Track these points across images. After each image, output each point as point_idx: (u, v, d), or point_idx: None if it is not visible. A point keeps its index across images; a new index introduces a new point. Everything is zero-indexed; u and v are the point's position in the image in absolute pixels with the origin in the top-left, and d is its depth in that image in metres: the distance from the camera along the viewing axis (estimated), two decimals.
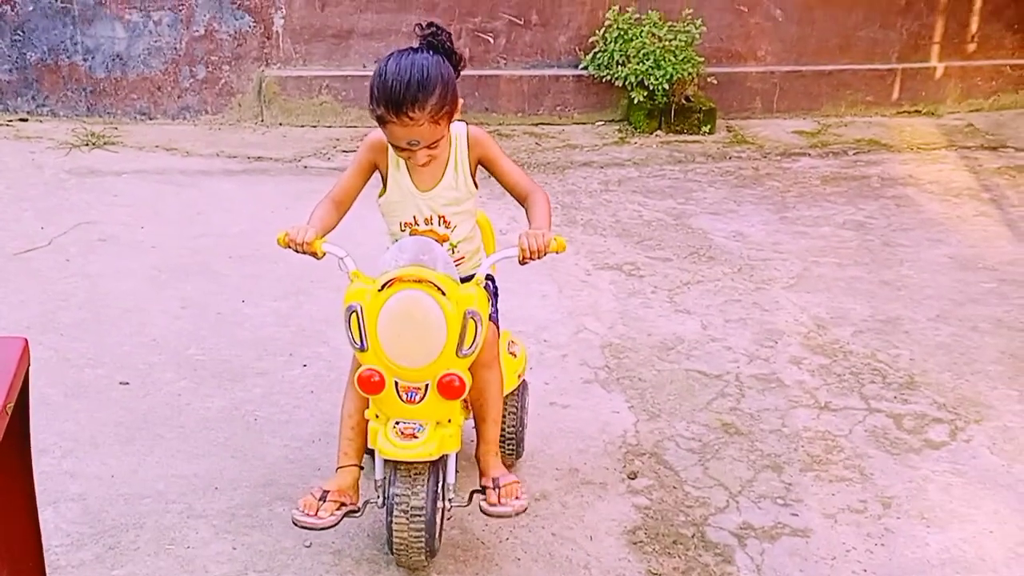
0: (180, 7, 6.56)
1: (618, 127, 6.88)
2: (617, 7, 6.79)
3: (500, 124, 6.76)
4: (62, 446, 3.46)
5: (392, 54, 2.79)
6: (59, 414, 3.63)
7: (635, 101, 6.71)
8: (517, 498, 2.92)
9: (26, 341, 2.05)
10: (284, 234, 2.80)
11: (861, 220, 5.55)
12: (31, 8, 6.47)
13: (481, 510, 2.95)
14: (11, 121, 6.54)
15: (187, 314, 4.38)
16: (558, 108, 6.96)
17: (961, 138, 6.91)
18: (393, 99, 2.68)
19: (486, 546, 3.07)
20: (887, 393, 3.95)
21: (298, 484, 3.32)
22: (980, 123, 7.20)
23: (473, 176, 2.97)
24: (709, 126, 6.80)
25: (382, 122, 2.76)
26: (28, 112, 6.61)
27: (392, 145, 2.83)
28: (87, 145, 6.22)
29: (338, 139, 6.52)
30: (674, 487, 3.39)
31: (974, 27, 7.45)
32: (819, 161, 6.44)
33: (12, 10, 6.46)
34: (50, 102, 6.62)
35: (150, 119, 6.68)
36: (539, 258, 2.78)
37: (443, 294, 2.67)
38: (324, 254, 2.82)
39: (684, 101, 6.81)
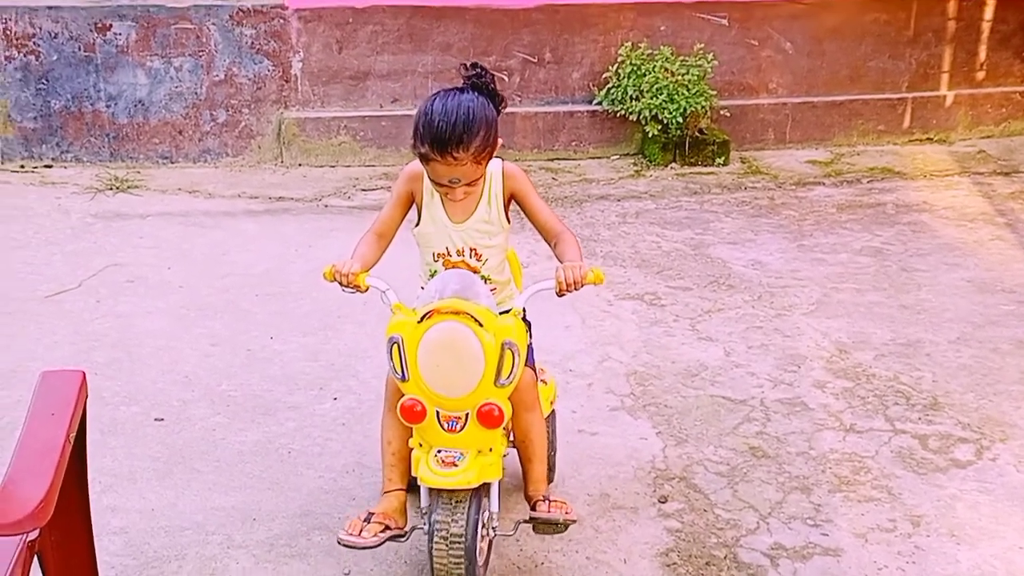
0: (200, 53, 6.69)
1: (633, 161, 6.97)
2: (630, 43, 6.90)
3: (516, 160, 6.79)
4: (101, 481, 3.51)
5: (438, 93, 2.87)
6: (97, 451, 3.68)
7: (649, 135, 6.80)
8: (568, 512, 3.03)
9: (84, 374, 2.12)
10: (331, 268, 2.89)
11: (878, 246, 5.61)
12: (55, 58, 6.60)
13: (531, 519, 3.03)
14: (36, 168, 6.66)
15: (217, 351, 4.45)
16: (573, 143, 7.05)
17: (973, 164, 6.98)
18: (438, 139, 2.75)
19: (522, 571, 3.11)
20: (911, 414, 4.00)
21: (334, 514, 3.37)
22: (991, 149, 7.27)
23: (506, 210, 3.03)
24: (723, 158, 6.89)
25: (425, 160, 2.83)
26: (53, 159, 6.72)
27: (433, 181, 2.90)
28: (111, 189, 6.32)
29: (357, 178, 6.61)
30: (705, 510, 3.43)
31: (982, 55, 7.54)
32: (834, 190, 6.51)
33: (37, 60, 6.59)
34: (74, 148, 6.73)
35: (172, 163, 6.79)
36: (576, 290, 2.83)
37: (480, 325, 2.73)
38: (368, 287, 2.90)
39: (698, 134, 6.90)
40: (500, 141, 2.89)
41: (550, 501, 3.06)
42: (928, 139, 7.42)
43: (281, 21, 6.73)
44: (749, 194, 6.41)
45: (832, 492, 3.52)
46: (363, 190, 6.39)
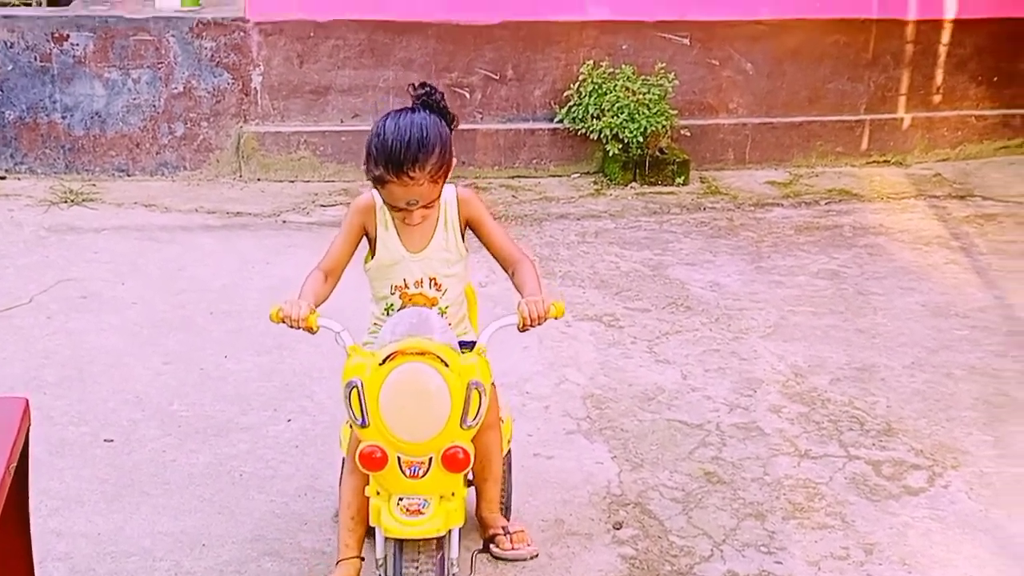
0: (159, 65, 6.62)
1: (593, 179, 6.97)
2: (591, 61, 6.91)
3: (477, 177, 6.83)
4: (48, 504, 3.46)
5: (389, 114, 2.83)
6: (44, 473, 3.62)
7: (610, 153, 6.80)
8: (528, 544, 3.09)
9: (27, 402, 2.08)
10: (277, 310, 2.76)
11: (835, 269, 5.64)
12: (10, 67, 6.51)
13: (494, 555, 3.05)
14: None
15: (170, 370, 4.40)
16: (534, 161, 7.05)
17: (929, 187, 7.04)
18: (393, 159, 2.71)
19: None
20: (865, 440, 4.01)
21: (285, 539, 3.34)
22: (947, 172, 7.34)
23: (463, 237, 2.99)
24: (683, 177, 6.90)
25: (380, 182, 2.78)
26: (6, 170, 6.62)
27: (389, 205, 2.84)
28: (66, 202, 6.24)
29: (316, 194, 6.57)
30: (659, 536, 3.42)
31: (939, 79, 7.61)
32: (792, 211, 6.55)
33: None
34: (28, 160, 6.64)
35: (128, 176, 6.71)
36: (539, 325, 2.78)
37: (446, 365, 2.64)
38: (319, 329, 2.77)
39: (658, 153, 6.91)
40: (454, 160, 2.87)
41: (510, 534, 3.05)
42: (885, 161, 7.47)
43: (242, 34, 6.68)
44: (708, 215, 6.43)
45: (786, 519, 3.53)
46: (322, 206, 6.35)
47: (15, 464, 1.99)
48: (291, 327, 2.76)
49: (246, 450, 3.83)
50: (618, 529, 3.46)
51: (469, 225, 2.99)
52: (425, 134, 2.75)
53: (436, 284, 2.94)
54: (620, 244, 5.92)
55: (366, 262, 3.02)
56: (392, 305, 2.97)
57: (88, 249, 5.62)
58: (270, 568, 3.21)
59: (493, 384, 2.94)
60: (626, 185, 6.83)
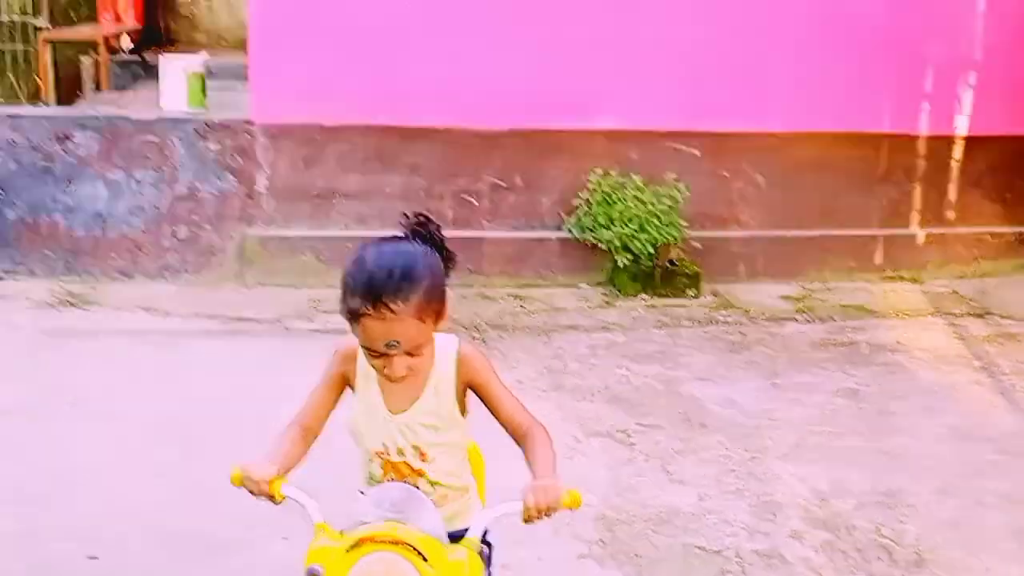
0: (163, 167, 6.54)
1: (603, 290, 6.83)
2: (600, 170, 6.82)
3: (484, 286, 6.69)
4: None
5: (371, 242, 2.36)
6: None
7: (620, 264, 6.68)
8: None
9: None
10: (239, 472, 2.32)
11: (853, 387, 5.46)
12: (13, 167, 6.43)
13: None
14: None
15: (162, 482, 4.19)
16: (542, 270, 6.92)
17: (947, 304, 6.89)
18: (373, 288, 2.22)
19: None
20: (895, 572, 3.79)
21: None
22: (964, 290, 7.20)
23: (460, 402, 2.48)
24: (695, 289, 6.76)
25: (355, 318, 2.26)
26: (5, 271, 6.49)
27: (366, 349, 2.32)
28: (64, 305, 6.09)
29: (320, 299, 6.41)
30: None
31: (953, 195, 7.53)
32: (806, 326, 6.39)
33: None
34: (29, 261, 6.52)
35: (129, 278, 6.58)
36: (548, 517, 2.24)
37: (425, 560, 2.15)
38: (283, 499, 2.32)
39: (669, 265, 6.79)
40: (450, 305, 2.36)
41: None
42: (900, 277, 7.34)
43: (248, 137, 6.61)
44: (721, 328, 6.27)
45: None
46: (325, 312, 6.18)
47: None
48: (251, 494, 2.32)
49: (240, 569, 3.61)
50: None
51: (472, 389, 2.48)
52: (412, 261, 2.28)
53: (421, 453, 2.45)
54: (631, 358, 5.75)
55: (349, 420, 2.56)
56: (372, 474, 2.51)
57: (83, 354, 5.45)
58: None
59: None
60: (636, 296, 6.69)
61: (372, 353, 2.29)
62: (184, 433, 4.61)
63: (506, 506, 2.26)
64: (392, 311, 2.21)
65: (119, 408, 4.84)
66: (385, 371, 2.31)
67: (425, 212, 2.44)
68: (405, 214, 2.44)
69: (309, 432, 2.48)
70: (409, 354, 2.28)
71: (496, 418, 2.49)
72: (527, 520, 2.23)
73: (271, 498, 2.31)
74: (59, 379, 5.10)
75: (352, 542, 2.16)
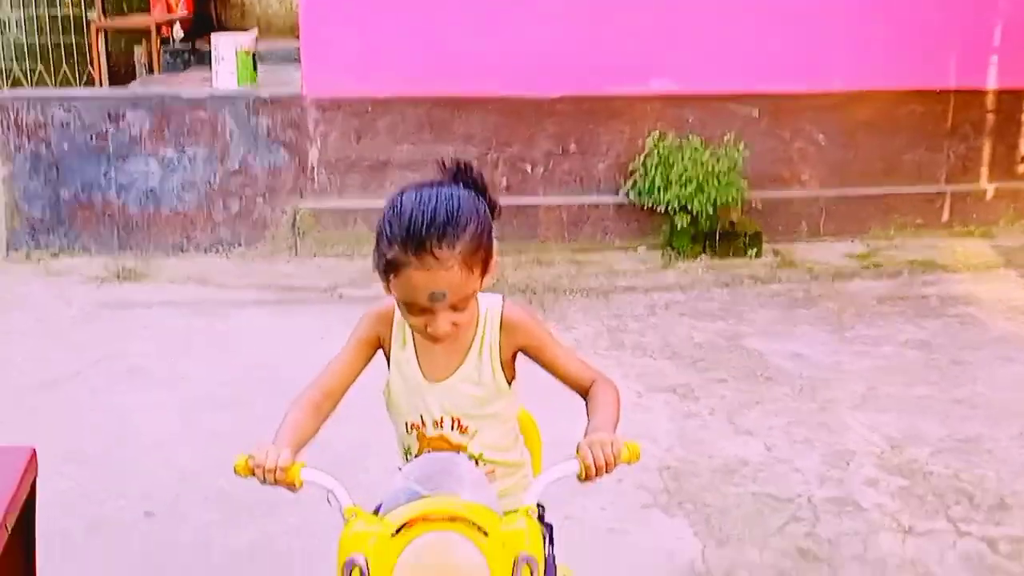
0: (215, 143, 6.50)
1: (661, 253, 6.67)
2: (657, 132, 6.67)
3: (540, 252, 6.57)
4: None
5: (407, 187, 2.09)
6: (78, 549, 3.36)
7: (678, 227, 6.52)
8: None
9: (34, 451, 1.81)
10: (245, 459, 2.00)
11: (925, 339, 5.26)
12: (66, 147, 6.43)
13: None
14: (43, 258, 6.43)
15: (217, 444, 4.12)
16: (598, 235, 6.78)
17: (1019, 258, 6.63)
18: (414, 233, 1.97)
19: None
20: (977, 516, 3.61)
21: None
22: None
23: (507, 368, 2.23)
24: (755, 250, 6.59)
25: (394, 269, 2.01)
26: (60, 249, 6.50)
27: (405, 307, 2.07)
28: (118, 279, 6.08)
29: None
30: None
31: (1023, 149, 7.28)
32: (873, 282, 6.19)
33: (47, 149, 6.42)
34: (82, 239, 6.52)
35: (182, 253, 6.55)
36: (607, 473, 2.00)
37: (484, 535, 1.88)
38: (302, 485, 2.00)
39: (728, 226, 6.62)
40: (496, 260, 2.11)
41: None
42: (969, 232, 7.10)
43: (299, 111, 6.56)
44: (784, 286, 6.09)
45: None
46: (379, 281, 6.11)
47: (15, 517, 1.71)
48: (263, 482, 1.99)
49: (295, 527, 3.53)
50: None
51: (524, 353, 2.25)
52: (458, 204, 2.02)
53: (460, 426, 2.22)
54: (692, 315, 5.60)
55: (383, 388, 2.30)
56: (410, 448, 2.28)
57: (138, 324, 5.42)
58: None
59: (552, 559, 2.27)
60: (695, 258, 6.53)
61: (413, 310, 2.05)
62: (238, 398, 4.56)
63: (560, 468, 2.00)
64: (436, 258, 1.97)
65: (174, 375, 4.80)
66: (428, 329, 2.06)
67: (461, 159, 2.17)
68: (442, 160, 2.17)
69: (329, 400, 2.22)
70: (454, 308, 2.05)
71: (558, 380, 2.26)
72: (585, 479, 1.98)
73: (290, 486, 1.99)
74: (114, 348, 5.07)
75: (398, 524, 1.86)
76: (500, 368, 2.21)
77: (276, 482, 1.96)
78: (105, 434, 4.20)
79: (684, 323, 5.48)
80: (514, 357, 2.23)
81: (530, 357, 2.24)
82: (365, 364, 2.25)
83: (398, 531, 1.86)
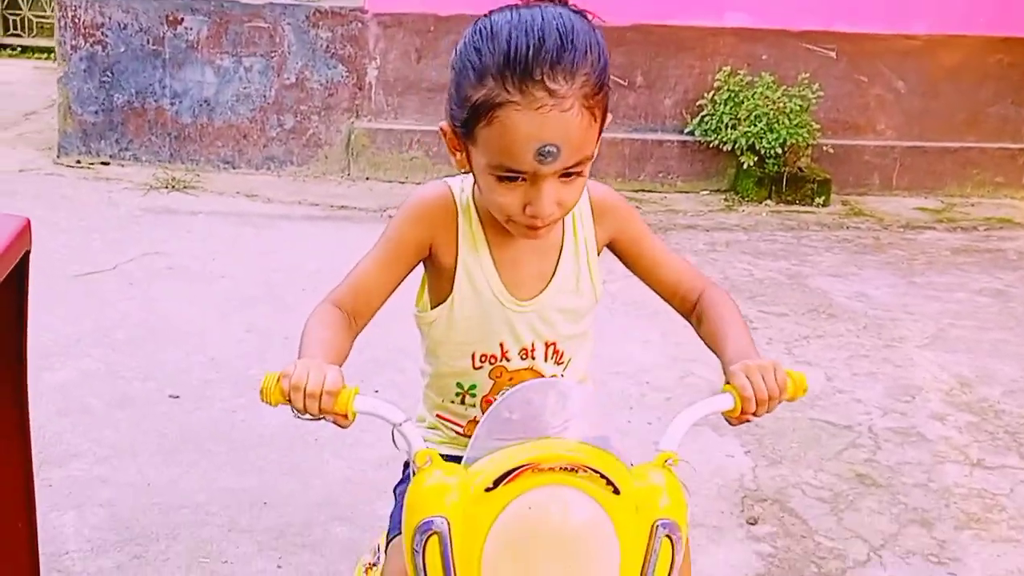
0: (272, 54, 6.34)
1: (724, 196, 6.43)
2: (728, 68, 6.41)
3: None
4: (97, 452, 3.05)
5: (499, 8, 1.51)
6: (99, 422, 3.24)
7: (744, 167, 6.26)
8: None
9: (28, 221, 1.64)
10: (275, 380, 1.42)
11: (1000, 288, 4.99)
12: (122, 50, 6.30)
13: None
14: (93, 164, 6.32)
15: (251, 337, 3.98)
16: (660, 174, 6.55)
17: None
18: (518, 58, 1.41)
19: None
20: None
21: (360, 506, 2.86)
22: None
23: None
24: (823, 197, 6.32)
25: (486, 113, 1.44)
26: (111, 155, 6.38)
27: (494, 176, 1.49)
28: (167, 188, 5.95)
29: None
30: (803, 536, 2.85)
31: None
32: (946, 234, 5.90)
33: (103, 51, 6.29)
34: (133, 146, 6.39)
35: (234, 168, 6.40)
36: (768, 411, 1.54)
37: (616, 492, 1.37)
38: (355, 416, 1.45)
39: (797, 171, 6.35)
40: (610, 117, 1.56)
41: None
42: None
43: (359, 25, 6.37)
44: (852, 233, 5.83)
45: (959, 529, 2.92)
46: None
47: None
48: (301, 415, 1.43)
49: None
50: (753, 524, 2.90)
51: (613, 245, 1.74)
52: (572, 25, 1.45)
53: (556, 352, 1.70)
54: (753, 254, 5.36)
55: (421, 308, 1.73)
56: (473, 388, 1.72)
57: (182, 228, 5.29)
58: (338, 533, 2.72)
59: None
60: (760, 203, 6.27)
61: (506, 178, 1.48)
62: (276, 297, 4.41)
63: (707, 403, 1.55)
64: (551, 92, 1.41)
65: (214, 273, 4.66)
66: (528, 210, 1.49)
67: None
68: None
69: (360, 318, 1.68)
70: (567, 175, 1.48)
71: (653, 285, 1.78)
72: (740, 416, 1.53)
73: (340, 418, 1.44)
74: (157, 247, 4.94)
75: (497, 474, 1.35)
76: (598, 266, 1.71)
77: (321, 412, 1.41)
78: (137, 322, 4.07)
79: (745, 260, 5.24)
80: (600, 253, 1.73)
81: (618, 254, 1.75)
82: (405, 276, 1.69)
83: (495, 484, 1.35)
